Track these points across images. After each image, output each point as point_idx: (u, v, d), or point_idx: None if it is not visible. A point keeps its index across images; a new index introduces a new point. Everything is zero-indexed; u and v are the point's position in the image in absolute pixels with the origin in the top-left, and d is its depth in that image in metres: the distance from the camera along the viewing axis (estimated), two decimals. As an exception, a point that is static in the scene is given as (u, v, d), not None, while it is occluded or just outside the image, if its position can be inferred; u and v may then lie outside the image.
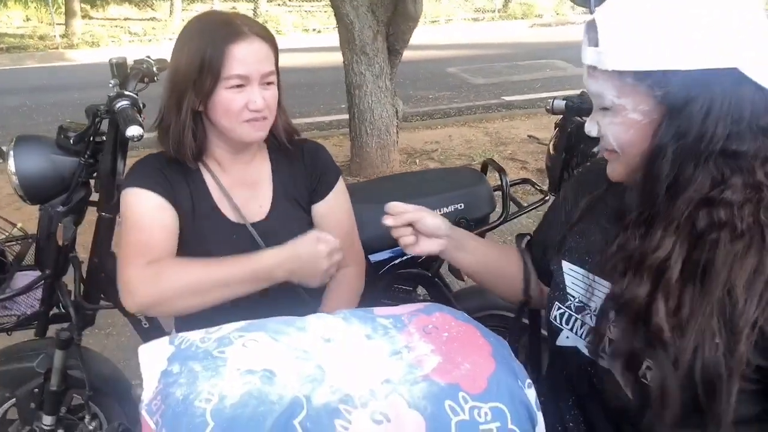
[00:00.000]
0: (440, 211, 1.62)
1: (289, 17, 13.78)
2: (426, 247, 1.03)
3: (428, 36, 10.46)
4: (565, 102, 1.36)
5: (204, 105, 1.13)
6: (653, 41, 0.74)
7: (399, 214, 1.00)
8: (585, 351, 0.88)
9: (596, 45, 0.78)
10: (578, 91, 1.68)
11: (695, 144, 0.74)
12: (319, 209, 1.30)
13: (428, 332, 0.89)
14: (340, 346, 0.85)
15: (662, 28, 0.73)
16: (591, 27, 0.79)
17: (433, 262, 1.74)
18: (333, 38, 4.86)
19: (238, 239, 1.20)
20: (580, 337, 0.89)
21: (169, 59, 1.53)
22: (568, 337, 0.91)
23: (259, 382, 0.74)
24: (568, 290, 0.93)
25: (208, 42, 1.08)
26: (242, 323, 0.88)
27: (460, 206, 1.63)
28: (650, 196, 0.78)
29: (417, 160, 4.82)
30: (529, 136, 5.33)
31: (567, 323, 0.91)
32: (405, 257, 1.66)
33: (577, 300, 0.91)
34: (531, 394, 0.83)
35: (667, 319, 0.73)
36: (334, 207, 1.31)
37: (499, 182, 1.73)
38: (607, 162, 0.87)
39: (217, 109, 1.12)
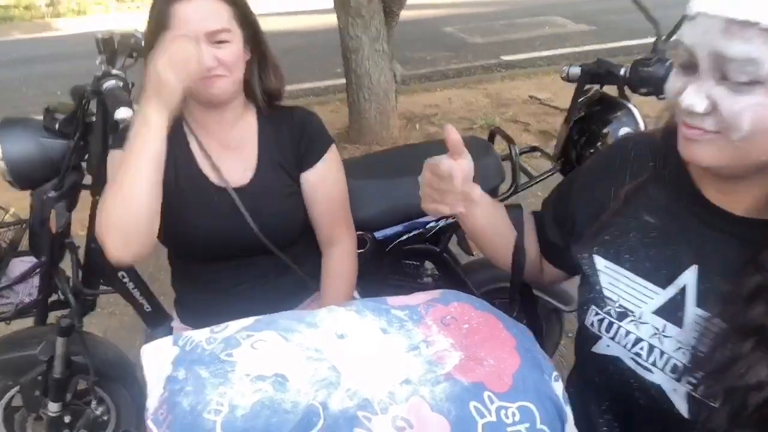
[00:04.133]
0: (448, 184, 1.56)
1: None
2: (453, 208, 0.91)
3: (424, -6, 10.19)
4: (580, 68, 1.27)
5: None
6: None
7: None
8: (629, 362, 0.81)
9: None
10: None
11: None
12: (309, 178, 1.25)
13: (447, 324, 0.84)
14: (355, 343, 0.80)
15: None
16: None
17: (441, 236, 1.69)
18: (326, 0, 4.69)
19: (219, 203, 1.18)
20: (625, 347, 0.81)
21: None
22: (608, 346, 0.83)
23: (271, 388, 0.70)
24: (606, 292, 0.84)
25: (159, 3, 1.09)
26: (250, 321, 0.83)
27: (469, 179, 1.56)
28: None
29: (417, 125, 4.72)
30: (531, 97, 5.21)
31: (608, 331, 0.83)
32: (412, 233, 1.61)
33: (617, 305, 0.82)
34: (558, 387, 0.79)
35: None
36: (325, 176, 1.26)
37: (507, 151, 1.67)
38: (683, 141, 0.72)
39: None
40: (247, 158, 1.22)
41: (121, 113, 1.13)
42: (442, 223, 1.60)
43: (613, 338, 0.82)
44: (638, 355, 0.79)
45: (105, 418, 1.73)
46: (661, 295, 0.79)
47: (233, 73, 1.12)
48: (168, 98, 1.01)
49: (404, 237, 1.60)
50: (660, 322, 0.78)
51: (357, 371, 0.75)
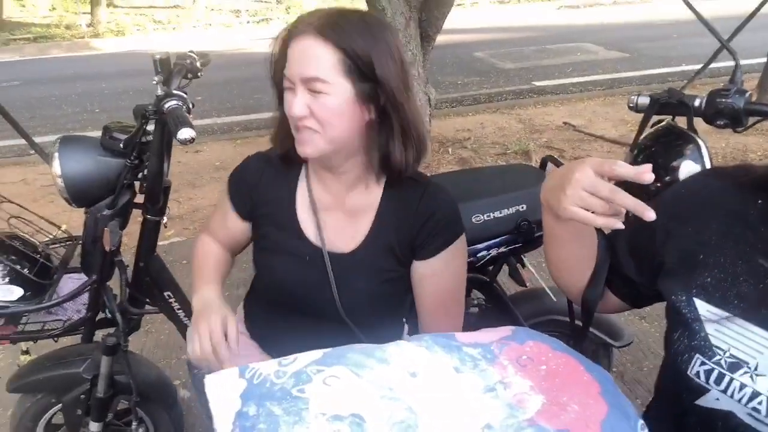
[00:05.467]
0: (501, 213, 1.52)
1: (313, 2, 13.64)
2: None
3: (454, 20, 10.26)
4: (650, 97, 1.24)
5: None
6: None
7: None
8: (745, 418, 0.75)
9: None
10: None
11: None
12: (419, 268, 1.12)
13: (523, 365, 0.80)
14: (428, 382, 0.77)
15: None
16: None
17: (490, 267, 1.65)
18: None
19: (311, 262, 1.11)
20: (740, 402, 0.74)
21: (197, 48, 1.47)
22: (718, 399, 0.77)
23: (349, 430, 0.66)
24: (713, 340, 0.77)
25: (279, 38, 1.03)
26: (318, 354, 0.81)
27: (522, 208, 1.53)
28: None
29: (450, 149, 4.71)
30: (565, 123, 5.17)
31: (717, 383, 0.76)
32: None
33: (728, 354, 0.75)
34: None
35: None
36: (440, 270, 1.11)
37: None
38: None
39: None
40: (359, 228, 1.11)
41: (184, 134, 1.12)
42: (493, 252, 1.56)
43: (724, 391, 0.76)
44: (756, 410, 0.73)
45: (144, 439, 1.71)
46: None
47: (326, 131, 0.98)
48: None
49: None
50: None
51: (434, 413, 0.71)
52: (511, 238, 1.55)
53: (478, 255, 1.56)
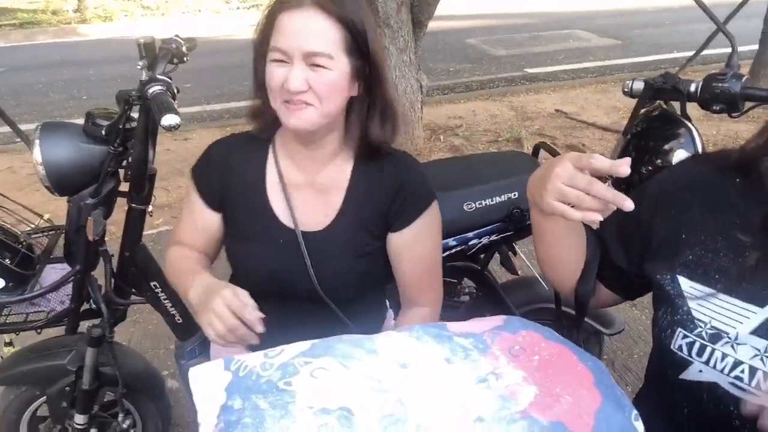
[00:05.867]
0: (492, 200, 1.50)
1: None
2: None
3: (446, 6, 10.17)
4: (644, 82, 1.22)
5: None
6: None
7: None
8: (729, 387, 0.76)
9: None
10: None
11: None
12: (394, 240, 1.11)
13: (515, 355, 0.78)
14: (419, 373, 0.75)
15: None
16: None
17: (482, 254, 1.64)
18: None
19: (285, 245, 1.08)
20: (722, 371, 0.76)
21: (186, 34, 1.42)
22: (701, 371, 0.78)
23: (337, 424, 0.65)
24: (695, 314, 0.79)
25: (269, 10, 0.97)
26: (306, 345, 0.78)
27: (514, 195, 1.51)
28: None
29: (441, 137, 4.68)
30: (557, 110, 5.15)
31: (699, 355, 0.78)
32: (453, 250, 1.55)
33: (708, 326, 0.78)
34: (639, 427, 0.73)
35: None
36: (413, 241, 1.11)
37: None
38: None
39: (267, 84, 0.99)
40: (330, 204, 1.09)
41: (168, 120, 1.09)
42: (484, 240, 1.54)
43: (706, 363, 0.77)
44: (739, 378, 0.75)
45: (131, 431, 1.68)
46: (759, 315, 0.75)
47: (323, 105, 0.97)
48: (197, 313, 0.99)
49: (445, 253, 1.55)
50: (761, 342, 0.74)
51: (425, 405, 0.70)
52: (502, 226, 1.54)
53: (469, 243, 1.55)
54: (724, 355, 0.76)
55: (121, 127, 1.32)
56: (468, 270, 1.66)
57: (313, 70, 0.95)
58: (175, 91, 1.25)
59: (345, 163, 1.10)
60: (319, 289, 1.08)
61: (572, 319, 1.09)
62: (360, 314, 1.15)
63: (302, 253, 1.06)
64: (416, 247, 1.12)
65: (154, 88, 1.19)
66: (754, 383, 0.73)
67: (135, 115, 1.36)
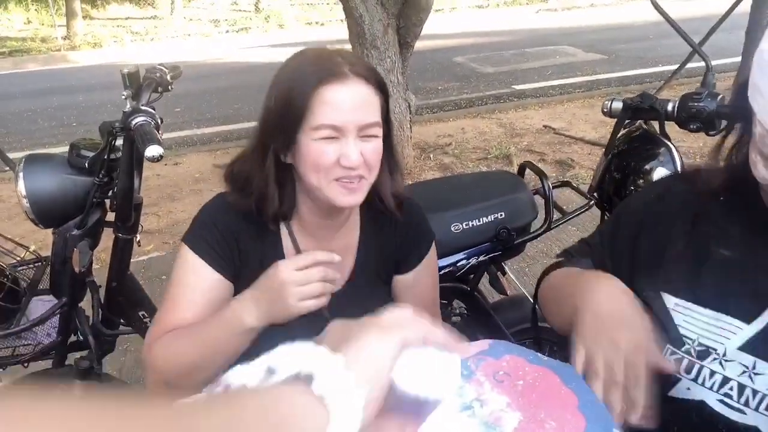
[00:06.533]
0: (480, 221, 1.51)
1: (291, 10, 13.65)
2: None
3: (433, 25, 10.32)
4: (623, 102, 1.24)
5: (292, 157, 0.94)
6: None
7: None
8: (717, 406, 0.75)
9: None
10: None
11: None
12: (403, 280, 1.10)
13: (500, 380, 0.78)
14: (404, 402, 0.74)
15: None
16: None
17: (470, 275, 1.64)
18: (336, 31, 4.72)
19: (309, 318, 1.00)
20: (711, 389, 0.76)
21: (175, 60, 1.40)
22: (689, 389, 0.78)
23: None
24: (682, 331, 0.79)
25: (299, 79, 0.90)
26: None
27: (501, 215, 1.52)
28: None
29: (431, 155, 4.70)
30: (545, 126, 5.20)
31: (688, 372, 0.78)
32: (442, 271, 1.56)
33: (696, 343, 0.78)
34: None
35: None
36: (421, 279, 1.11)
37: (540, 185, 1.62)
38: (745, 170, 0.72)
39: (305, 162, 0.91)
40: (345, 263, 1.05)
41: (152, 151, 1.10)
42: (473, 261, 1.55)
43: (695, 380, 0.77)
44: (728, 396, 0.74)
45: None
46: (746, 331, 0.75)
47: (371, 175, 0.94)
48: (278, 317, 0.91)
49: (433, 275, 1.55)
50: (748, 359, 0.74)
51: (409, 435, 0.69)
52: (490, 246, 1.54)
53: (458, 264, 1.55)
54: (713, 372, 0.76)
55: (105, 158, 1.33)
56: (458, 291, 1.66)
57: (365, 141, 0.92)
58: (159, 121, 1.25)
59: (354, 224, 1.07)
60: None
61: (564, 338, 1.09)
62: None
63: (325, 317, 1.00)
64: (424, 284, 1.12)
65: (138, 119, 1.20)
66: (742, 401, 0.73)
67: (119, 143, 1.36)
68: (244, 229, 1.00)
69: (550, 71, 7.35)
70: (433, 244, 1.12)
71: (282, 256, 1.02)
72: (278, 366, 0.46)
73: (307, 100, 0.88)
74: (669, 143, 1.22)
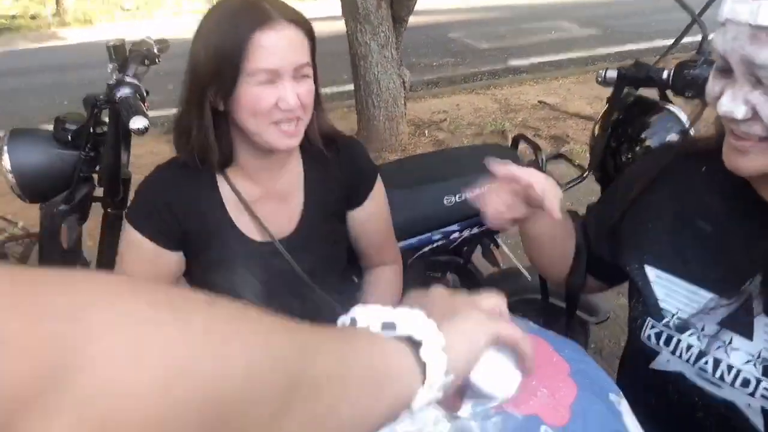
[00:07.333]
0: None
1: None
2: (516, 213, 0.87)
3: (428, 0, 10.18)
4: (617, 71, 1.22)
5: (227, 104, 0.95)
6: None
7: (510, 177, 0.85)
8: (695, 378, 0.76)
9: None
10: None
11: None
12: (357, 216, 1.17)
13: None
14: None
15: None
16: None
17: (464, 247, 1.63)
18: (330, 6, 4.65)
19: (265, 259, 1.06)
20: (688, 361, 0.76)
21: (167, 37, 1.38)
22: (668, 361, 0.79)
23: None
24: (662, 304, 0.80)
25: (230, 29, 0.91)
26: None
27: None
28: None
29: (426, 131, 4.67)
30: (540, 102, 5.16)
31: (667, 344, 0.78)
32: (435, 244, 1.55)
33: (676, 317, 0.78)
34: (619, 402, 0.72)
35: None
36: (373, 212, 1.18)
37: (533, 158, 1.60)
38: (728, 150, 0.70)
39: (242, 109, 0.94)
40: (293, 207, 1.09)
41: (136, 123, 1.07)
42: (466, 233, 1.54)
43: (673, 352, 0.78)
44: (703, 370, 0.75)
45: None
46: (724, 305, 0.75)
47: (307, 115, 0.98)
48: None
49: (427, 248, 1.54)
50: (726, 333, 0.74)
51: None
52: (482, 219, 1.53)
53: (451, 237, 1.54)
54: (690, 346, 0.76)
55: (91, 131, 1.30)
56: (451, 264, 1.65)
57: (299, 83, 0.95)
58: (145, 93, 1.23)
59: (295, 165, 1.10)
60: (311, 283, 1.08)
61: (560, 310, 1.10)
62: (340, 292, 1.17)
63: (286, 260, 1.06)
64: (373, 219, 1.18)
65: (123, 91, 1.17)
66: (717, 374, 0.73)
67: (106, 119, 1.34)
68: (180, 193, 1.03)
69: (546, 46, 7.28)
70: (378, 177, 1.18)
71: (222, 204, 1.04)
72: (397, 323, 0.49)
73: (243, 48, 0.90)
74: (671, 107, 1.20)
